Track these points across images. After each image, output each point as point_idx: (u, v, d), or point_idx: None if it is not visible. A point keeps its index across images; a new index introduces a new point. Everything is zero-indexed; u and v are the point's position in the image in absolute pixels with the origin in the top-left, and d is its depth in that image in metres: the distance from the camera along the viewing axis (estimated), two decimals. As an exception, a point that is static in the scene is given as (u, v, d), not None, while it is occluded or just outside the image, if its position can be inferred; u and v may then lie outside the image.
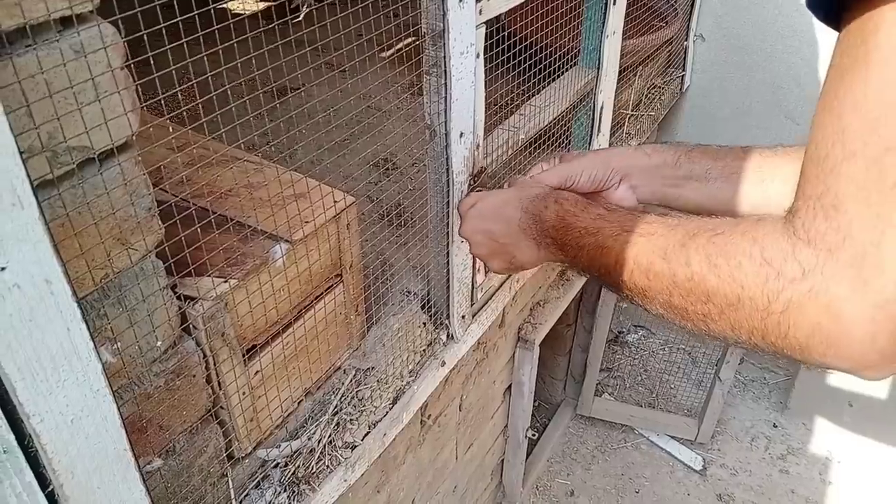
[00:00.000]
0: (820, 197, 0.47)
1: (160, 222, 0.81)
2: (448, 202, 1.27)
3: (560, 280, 2.15)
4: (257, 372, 1.03)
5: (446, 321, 1.39)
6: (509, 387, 2.13)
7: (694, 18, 2.51)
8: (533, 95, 1.58)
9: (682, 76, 2.56)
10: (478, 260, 1.41)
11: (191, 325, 0.90)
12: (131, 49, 0.70)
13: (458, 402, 1.77)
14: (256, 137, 1.85)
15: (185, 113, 0.83)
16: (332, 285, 1.15)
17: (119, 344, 0.79)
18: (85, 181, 0.70)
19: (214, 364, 0.94)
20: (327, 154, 1.76)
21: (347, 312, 1.19)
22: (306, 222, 1.03)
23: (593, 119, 1.83)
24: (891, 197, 0.44)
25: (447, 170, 1.23)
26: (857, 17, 0.46)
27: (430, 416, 1.62)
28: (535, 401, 2.39)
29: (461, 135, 1.22)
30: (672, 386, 2.93)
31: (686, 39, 2.53)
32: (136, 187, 0.76)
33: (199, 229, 0.88)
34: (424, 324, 1.33)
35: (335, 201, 1.07)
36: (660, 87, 2.42)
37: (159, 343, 0.82)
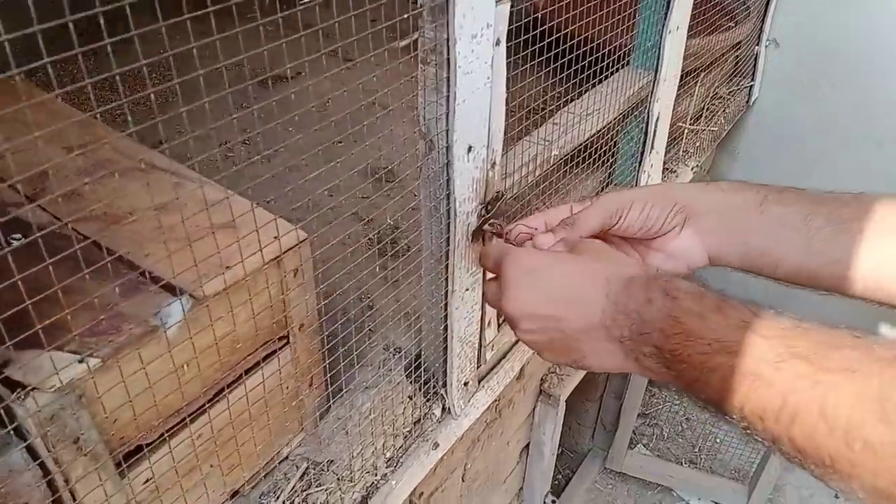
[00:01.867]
0: None
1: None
2: (448, 238, 0.94)
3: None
4: (148, 480, 0.72)
5: (441, 391, 1.06)
6: (527, 445, 1.79)
7: (768, 20, 2.14)
8: (572, 100, 1.25)
9: (750, 87, 2.20)
10: (489, 311, 1.08)
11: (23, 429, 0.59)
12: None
13: (460, 472, 1.44)
14: (234, 135, 1.54)
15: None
16: (274, 351, 0.83)
17: None
18: None
19: (66, 482, 0.63)
20: (314, 158, 1.44)
21: (297, 386, 0.87)
22: (227, 268, 0.71)
23: (646, 132, 1.48)
24: None
25: (447, 196, 0.90)
26: None
27: (421, 494, 1.29)
28: (558, 448, 2.06)
29: (469, 149, 0.89)
30: (718, 440, 2.56)
31: (757, 44, 2.16)
32: None
33: (54, 271, 0.56)
34: (410, 397, 1.00)
35: (276, 236, 0.74)
36: (724, 97, 2.06)
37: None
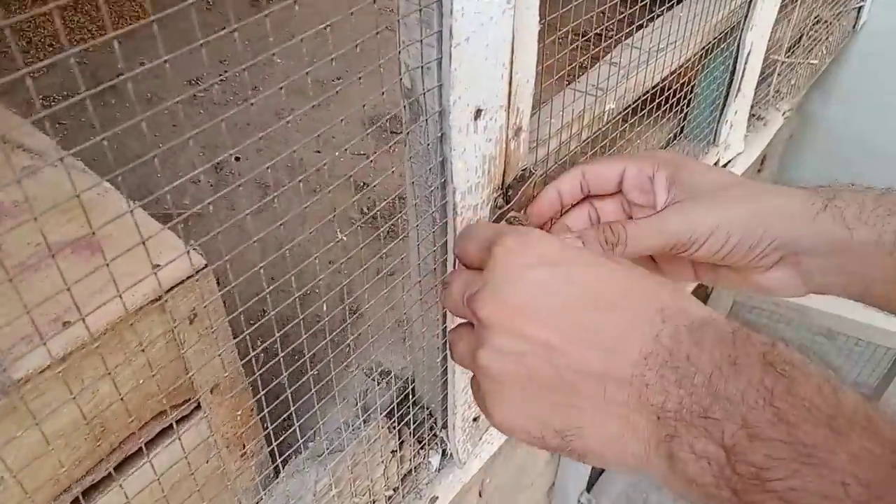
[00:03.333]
0: None
1: None
2: (445, 244, 0.64)
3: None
4: None
5: (441, 433, 0.79)
6: (561, 441, 1.54)
7: (891, -81, 1.70)
8: (635, 31, 0.91)
9: (859, 8, 1.77)
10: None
11: None
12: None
13: (476, 490, 1.20)
14: (208, 68, 1.25)
15: None
16: (181, 420, 0.56)
17: None
18: None
19: None
20: (304, 101, 1.15)
21: (221, 459, 0.60)
22: (64, 324, 0.43)
23: (733, 72, 1.13)
24: None
25: (442, 185, 0.60)
26: None
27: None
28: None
29: (478, 113, 0.58)
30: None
31: (874, -49, 1.73)
32: None
33: None
34: (394, 451, 0.74)
35: (157, 266, 0.46)
36: (827, 22, 1.65)
37: None
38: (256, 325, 0.52)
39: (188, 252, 0.41)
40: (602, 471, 2.08)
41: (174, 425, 0.47)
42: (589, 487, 1.74)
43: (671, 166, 0.49)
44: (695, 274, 0.52)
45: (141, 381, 0.49)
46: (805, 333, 1.92)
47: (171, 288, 0.46)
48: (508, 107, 0.61)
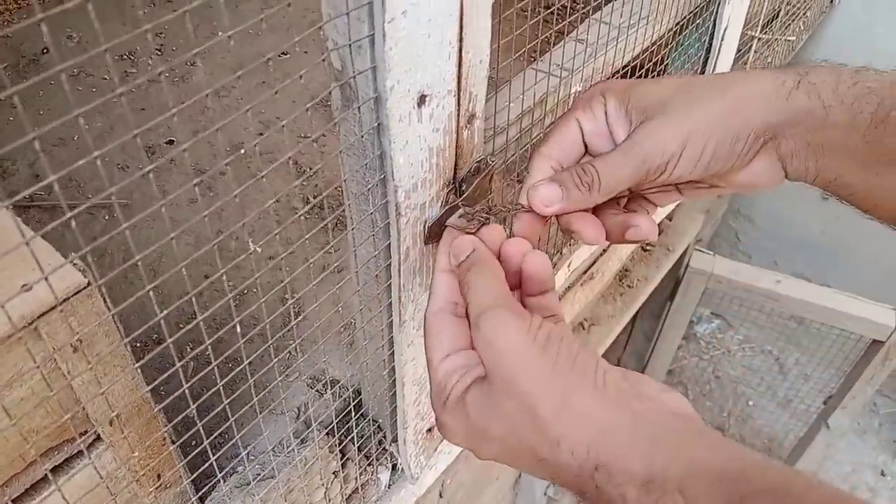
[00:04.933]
0: None
1: None
2: (388, 246, 0.57)
3: (618, 288, 1.45)
4: None
5: (391, 447, 0.73)
6: (528, 433, 1.49)
7: None
8: (604, 4, 0.84)
9: (837, -19, 1.72)
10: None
11: None
12: None
13: (436, 492, 1.14)
14: (143, 41, 1.15)
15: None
16: (80, 453, 0.49)
17: None
18: None
19: None
20: (245, 79, 1.06)
21: (131, 490, 0.53)
22: None
23: (709, 48, 1.06)
24: None
25: (381, 181, 0.52)
26: None
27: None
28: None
29: (422, 99, 0.50)
30: (750, 403, 2.25)
31: (852, -77, 1.67)
32: None
33: None
34: (335, 473, 0.67)
35: (25, 286, 0.38)
36: (804, -4, 1.59)
37: None
38: (164, 344, 0.45)
39: (44, 279, 0.33)
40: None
41: (49, 474, 0.40)
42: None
43: (618, 94, 0.47)
44: (679, 191, 0.50)
45: (16, 420, 0.41)
46: (777, 319, 1.88)
47: (41, 315, 0.38)
48: (458, 91, 0.54)
